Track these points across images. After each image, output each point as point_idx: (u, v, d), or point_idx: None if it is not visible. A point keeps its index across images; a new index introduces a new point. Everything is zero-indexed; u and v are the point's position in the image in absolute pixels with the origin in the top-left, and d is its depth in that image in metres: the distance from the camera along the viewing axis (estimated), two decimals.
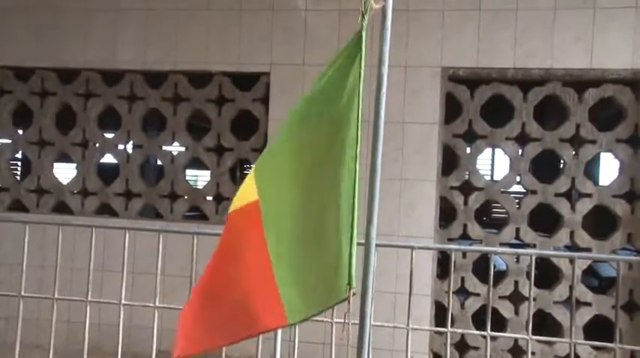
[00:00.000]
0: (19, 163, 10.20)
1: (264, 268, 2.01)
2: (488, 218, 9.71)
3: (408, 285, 3.34)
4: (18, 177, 6.57)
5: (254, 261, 2.03)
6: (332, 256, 1.89)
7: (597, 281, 6.13)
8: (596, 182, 4.67)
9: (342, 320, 3.34)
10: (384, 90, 1.94)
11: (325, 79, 2.04)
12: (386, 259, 4.06)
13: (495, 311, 4.31)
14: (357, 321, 1.95)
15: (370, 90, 1.98)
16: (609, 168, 7.72)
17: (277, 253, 2.02)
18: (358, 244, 1.86)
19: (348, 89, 1.96)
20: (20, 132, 5.38)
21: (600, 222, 5.04)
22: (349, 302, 1.86)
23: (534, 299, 3.90)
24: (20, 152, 5.51)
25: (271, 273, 2.00)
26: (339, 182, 1.90)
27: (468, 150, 4.73)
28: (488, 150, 5.01)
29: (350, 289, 1.82)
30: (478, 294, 4.60)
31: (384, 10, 1.97)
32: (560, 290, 4.48)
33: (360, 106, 1.89)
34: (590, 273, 6.07)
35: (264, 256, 2.02)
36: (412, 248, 3.33)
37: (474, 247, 4.57)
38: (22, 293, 3.51)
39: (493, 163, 10.85)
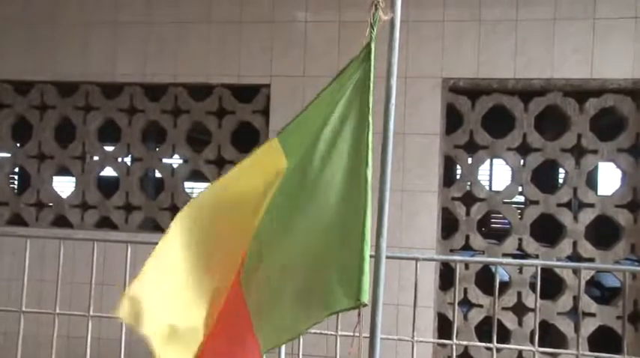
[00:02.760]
0: (17, 177, 10.16)
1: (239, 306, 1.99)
2: (487, 228, 9.71)
3: (411, 297, 3.32)
4: (16, 191, 6.52)
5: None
6: (331, 268, 1.86)
7: (600, 291, 6.10)
8: (596, 192, 4.65)
9: (347, 334, 3.32)
10: (393, 101, 1.94)
11: (330, 92, 2.03)
12: (388, 270, 4.02)
13: (498, 322, 4.28)
14: (357, 334, 1.92)
15: (375, 101, 1.97)
16: (609, 178, 7.75)
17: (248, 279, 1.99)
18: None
19: (356, 101, 1.95)
20: (19, 146, 5.35)
21: (602, 232, 5.03)
22: (360, 315, 1.84)
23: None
24: (18, 166, 5.48)
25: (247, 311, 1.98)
26: (348, 194, 1.88)
27: (470, 160, 4.73)
28: (486, 161, 4.99)
29: (360, 304, 1.79)
30: (481, 306, 4.57)
31: (391, 21, 1.97)
32: (564, 301, 4.45)
33: (372, 119, 1.88)
34: (592, 284, 6.04)
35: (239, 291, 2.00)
36: (417, 259, 3.31)
37: (479, 258, 4.55)
38: (23, 309, 3.47)
39: (491, 174, 10.87)
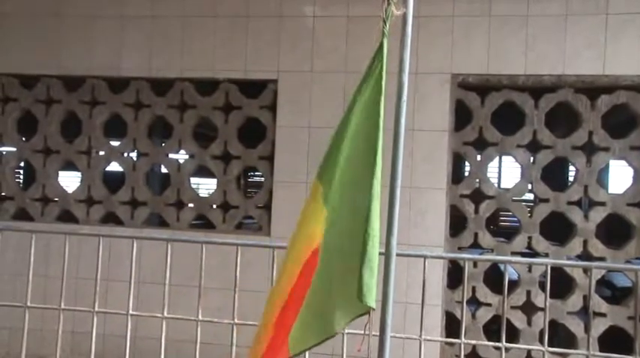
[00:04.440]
0: (22, 172, 10.17)
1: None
2: (496, 226, 9.65)
3: (418, 295, 3.27)
4: (21, 186, 6.52)
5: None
6: (348, 273, 1.84)
7: (611, 291, 6.03)
8: (607, 190, 4.59)
9: (354, 332, 3.28)
10: (404, 97, 1.90)
11: (355, 92, 1.99)
12: (395, 268, 3.98)
13: (507, 321, 4.24)
14: (367, 332, 1.89)
15: (386, 97, 1.92)
16: (620, 176, 7.67)
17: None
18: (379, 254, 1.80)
19: (369, 97, 1.91)
20: (25, 140, 5.33)
21: (613, 231, 4.96)
22: (369, 314, 1.81)
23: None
24: (23, 161, 5.46)
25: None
26: (358, 196, 1.84)
27: (479, 157, 4.67)
28: (495, 158, 4.93)
29: (369, 309, 1.77)
30: (489, 304, 4.52)
31: (404, 16, 1.93)
32: (574, 301, 4.39)
33: (383, 115, 1.83)
34: (603, 283, 5.98)
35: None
36: (425, 257, 3.26)
37: (488, 256, 4.50)
38: (28, 304, 3.44)
39: (500, 171, 10.79)
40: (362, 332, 2.31)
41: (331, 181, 1.91)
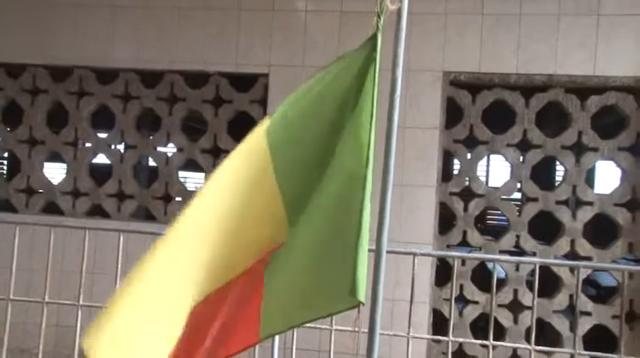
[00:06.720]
0: (7, 162, 10.04)
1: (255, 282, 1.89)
2: (484, 225, 9.68)
3: (406, 292, 3.28)
4: (5, 177, 6.42)
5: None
6: (334, 266, 1.80)
7: (596, 290, 6.08)
8: (593, 190, 4.61)
9: (341, 328, 3.27)
10: (398, 93, 1.88)
11: (329, 81, 1.95)
12: (385, 265, 3.97)
13: (494, 319, 4.26)
14: (352, 328, 1.87)
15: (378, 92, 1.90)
16: (607, 176, 7.73)
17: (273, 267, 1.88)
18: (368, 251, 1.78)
19: (356, 93, 1.88)
20: (9, 130, 5.24)
21: (599, 231, 5.00)
22: (359, 311, 1.79)
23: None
24: (7, 151, 5.38)
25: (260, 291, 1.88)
26: (346, 190, 1.81)
27: (469, 155, 4.67)
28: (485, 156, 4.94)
29: (358, 303, 1.73)
30: (477, 302, 4.53)
31: (399, 11, 1.90)
32: (560, 299, 4.42)
33: (375, 111, 1.80)
34: (588, 282, 6.02)
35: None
36: (414, 254, 3.26)
37: (477, 255, 4.51)
38: (11, 297, 3.39)
39: (488, 169, 10.84)
40: (349, 328, 2.29)
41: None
